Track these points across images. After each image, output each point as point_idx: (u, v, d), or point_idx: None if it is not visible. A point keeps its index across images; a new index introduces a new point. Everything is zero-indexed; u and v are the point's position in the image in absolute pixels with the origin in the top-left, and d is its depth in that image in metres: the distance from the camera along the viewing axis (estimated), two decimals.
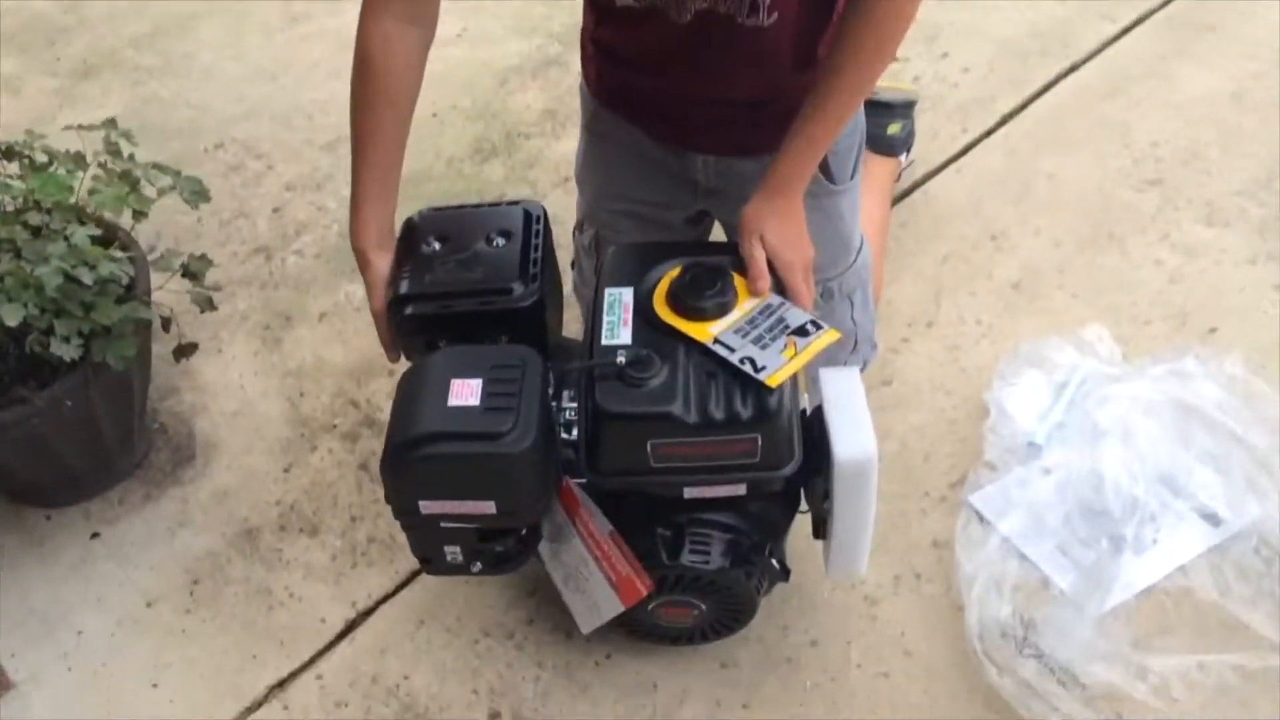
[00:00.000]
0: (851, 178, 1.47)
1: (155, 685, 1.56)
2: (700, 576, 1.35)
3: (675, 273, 1.31)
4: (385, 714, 1.51)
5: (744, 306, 1.29)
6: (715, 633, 1.48)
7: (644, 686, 1.51)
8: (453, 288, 1.34)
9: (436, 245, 1.39)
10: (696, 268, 1.31)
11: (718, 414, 1.21)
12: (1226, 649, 1.43)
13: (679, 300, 1.28)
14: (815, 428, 1.31)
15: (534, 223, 1.41)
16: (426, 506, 1.26)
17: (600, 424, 1.24)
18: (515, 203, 1.45)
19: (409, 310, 1.34)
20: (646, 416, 1.22)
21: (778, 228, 1.29)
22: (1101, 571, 1.49)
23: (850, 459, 1.26)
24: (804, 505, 1.38)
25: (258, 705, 1.53)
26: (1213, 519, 1.58)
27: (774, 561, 1.35)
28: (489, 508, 1.25)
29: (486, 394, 1.21)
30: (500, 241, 1.38)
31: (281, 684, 1.55)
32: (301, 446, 1.82)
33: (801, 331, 1.26)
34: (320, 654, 1.58)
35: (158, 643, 1.61)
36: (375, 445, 1.80)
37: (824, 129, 1.28)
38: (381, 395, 1.88)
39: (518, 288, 1.33)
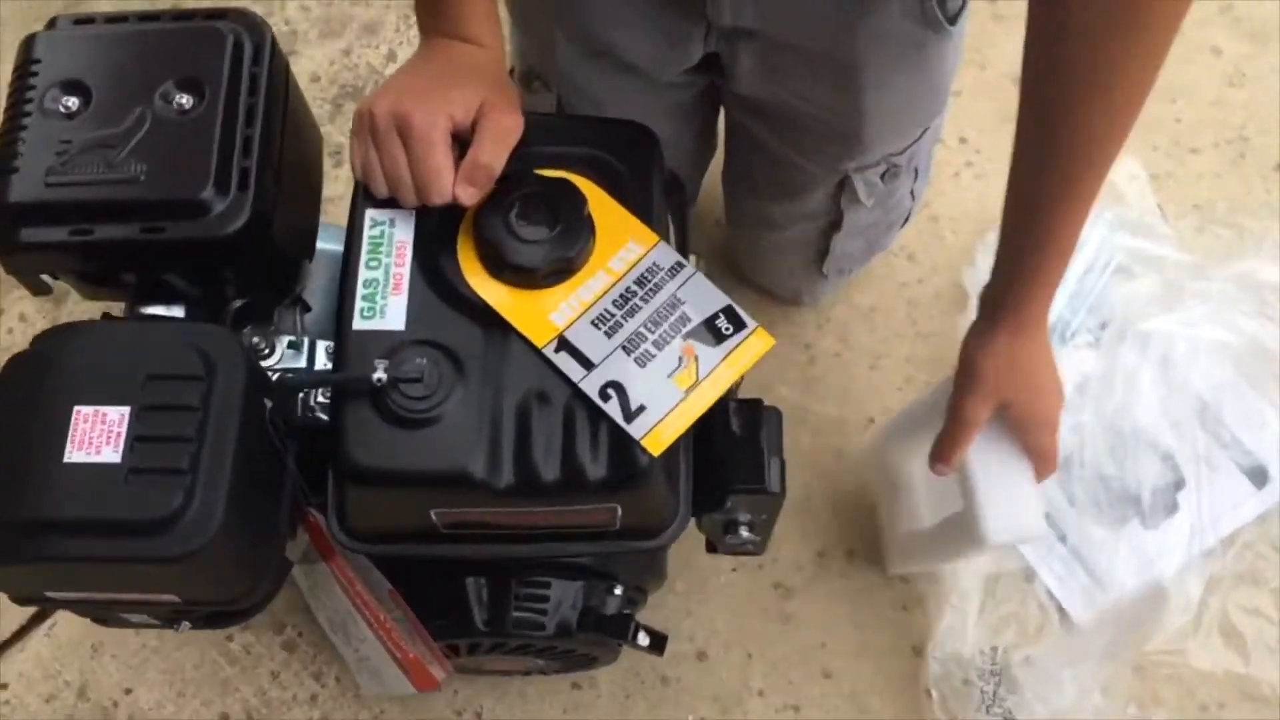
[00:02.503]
0: (963, 7, 0.87)
1: None
2: (533, 643, 0.89)
3: (491, 192, 0.75)
4: None
5: (611, 266, 0.74)
6: (562, 673, 1.04)
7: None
8: (95, 195, 0.76)
9: (71, 102, 0.78)
10: (527, 186, 0.74)
11: (548, 473, 0.70)
12: None
13: (491, 250, 0.72)
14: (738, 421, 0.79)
15: (246, 60, 0.79)
16: (62, 596, 0.76)
17: (347, 482, 0.73)
18: (219, 14, 0.82)
19: (23, 235, 0.76)
20: (423, 478, 0.71)
21: (1028, 379, 0.84)
22: (1123, 613, 1.04)
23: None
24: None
25: None
26: (1258, 475, 1.14)
27: (643, 634, 0.88)
28: (169, 598, 0.76)
29: (135, 438, 0.67)
30: (184, 101, 0.78)
31: None
32: None
33: (712, 329, 0.72)
34: None
35: None
36: None
37: (1075, 213, 0.74)
38: None
39: (214, 199, 0.76)
